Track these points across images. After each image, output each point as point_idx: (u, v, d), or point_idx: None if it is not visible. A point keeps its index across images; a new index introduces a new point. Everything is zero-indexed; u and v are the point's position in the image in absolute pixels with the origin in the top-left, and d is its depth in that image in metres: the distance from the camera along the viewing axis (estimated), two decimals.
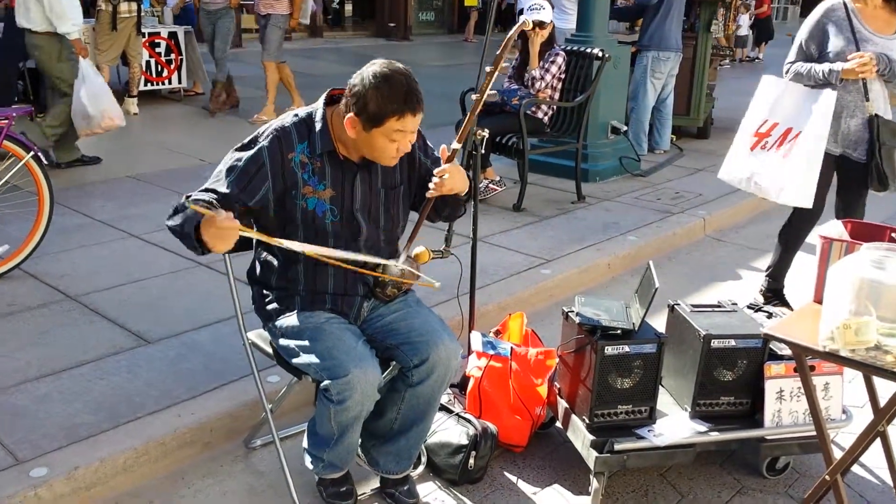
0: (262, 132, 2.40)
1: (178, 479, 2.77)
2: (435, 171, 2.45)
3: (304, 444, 2.60)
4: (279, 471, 2.57)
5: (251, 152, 2.36)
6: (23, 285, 4.00)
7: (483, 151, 3.18)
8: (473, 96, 2.53)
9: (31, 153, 4.00)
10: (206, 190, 2.34)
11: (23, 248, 4.11)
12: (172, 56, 9.33)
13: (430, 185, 2.46)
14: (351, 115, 2.28)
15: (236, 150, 2.41)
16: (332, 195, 2.42)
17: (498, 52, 2.48)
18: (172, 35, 9.28)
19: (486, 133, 3.02)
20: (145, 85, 9.10)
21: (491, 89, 5.23)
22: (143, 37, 8.67)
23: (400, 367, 2.48)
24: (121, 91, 8.58)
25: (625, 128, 6.60)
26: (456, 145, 2.47)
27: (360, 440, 2.62)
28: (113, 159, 6.61)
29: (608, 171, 6.58)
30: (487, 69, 2.53)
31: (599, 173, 6.49)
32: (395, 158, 2.39)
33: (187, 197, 2.26)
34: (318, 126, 2.40)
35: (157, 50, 9.20)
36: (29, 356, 3.28)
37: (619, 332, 2.65)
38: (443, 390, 2.52)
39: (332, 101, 2.44)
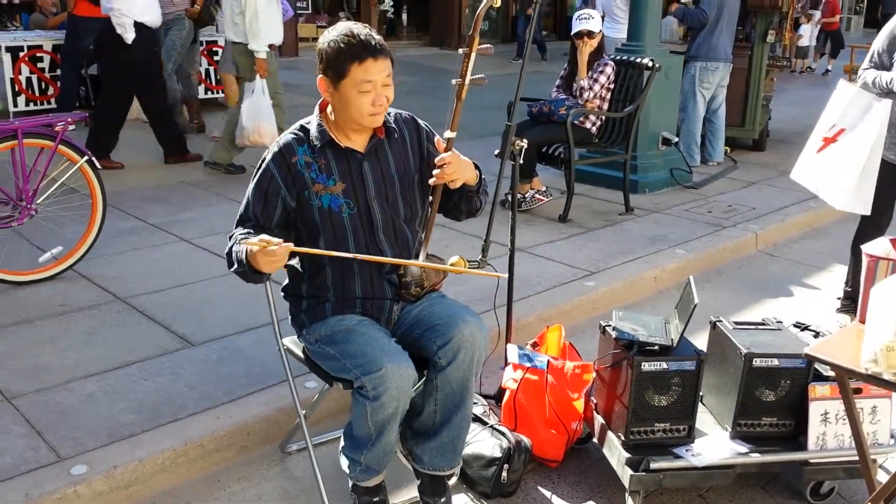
0: (267, 152, 2.53)
1: (214, 480, 2.81)
2: (436, 161, 2.47)
3: (341, 447, 2.61)
4: (313, 476, 2.59)
5: (261, 170, 2.49)
6: (75, 286, 4.11)
7: (521, 161, 3.15)
8: (454, 82, 2.50)
9: (85, 157, 4.12)
10: (239, 223, 2.48)
11: (76, 249, 4.23)
12: None
13: (433, 174, 2.47)
14: (320, 76, 2.38)
15: (252, 179, 2.53)
16: (343, 188, 2.47)
17: (470, 33, 2.45)
18: None
19: (524, 143, 3.01)
20: (205, 93, 9.28)
21: (542, 100, 5.20)
22: (201, 45, 8.86)
23: (428, 358, 2.48)
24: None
25: (675, 139, 6.50)
26: (449, 134, 2.47)
27: (400, 440, 2.64)
28: (169, 165, 6.77)
29: (658, 183, 6.49)
30: (461, 51, 2.50)
31: (649, 185, 6.40)
32: (376, 115, 2.43)
33: (230, 237, 2.43)
34: (313, 126, 2.50)
35: (216, 58, 9.37)
36: (77, 355, 3.37)
37: (656, 347, 2.61)
38: (474, 371, 2.49)
39: (325, 109, 2.53)
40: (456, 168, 2.46)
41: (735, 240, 5.32)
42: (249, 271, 2.34)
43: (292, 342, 2.72)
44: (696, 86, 7.02)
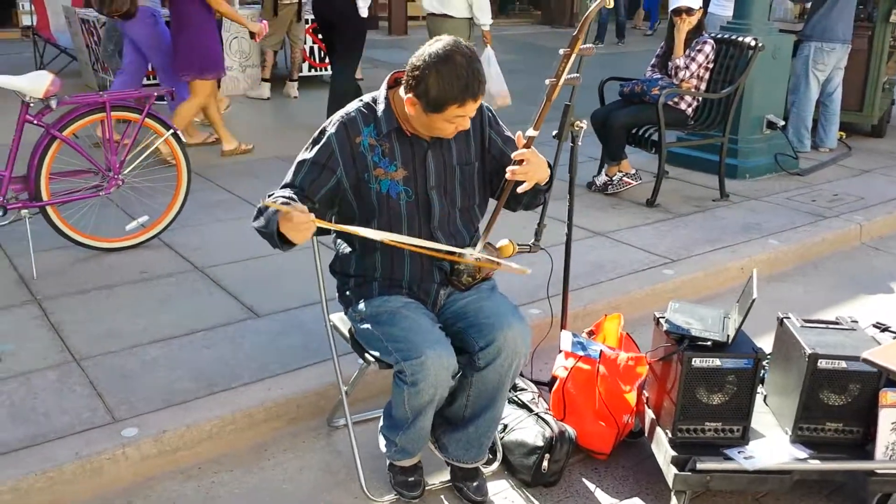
0: (329, 122, 2.44)
1: (260, 450, 2.86)
2: (513, 156, 2.37)
3: (380, 426, 2.61)
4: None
5: (321, 143, 2.41)
6: (158, 254, 4.28)
7: (580, 143, 3.02)
8: (547, 81, 2.39)
9: (171, 131, 4.25)
10: (284, 186, 2.41)
11: (161, 219, 4.39)
12: None
13: (508, 170, 2.37)
14: (410, 95, 2.26)
15: (310, 142, 2.46)
16: (405, 175, 2.41)
17: (574, 34, 2.34)
18: None
19: (584, 125, 2.89)
20: (309, 70, 9.45)
21: (635, 80, 5.01)
22: (307, 23, 9.02)
23: (468, 353, 2.42)
24: (285, 75, 9.00)
25: (782, 123, 6.14)
26: (532, 132, 2.37)
27: (431, 427, 2.61)
28: (266, 140, 6.93)
29: (760, 169, 6.16)
30: (561, 52, 2.39)
31: (750, 170, 6.09)
32: (453, 133, 2.36)
33: (268, 196, 2.32)
34: (381, 107, 2.40)
35: (320, 36, 9.51)
36: (147, 322, 3.50)
37: (709, 343, 2.47)
38: (511, 376, 2.44)
39: (395, 83, 2.43)
40: (531, 167, 2.36)
41: (836, 231, 4.99)
42: (275, 234, 2.24)
43: (340, 319, 2.73)
44: (810, 67, 6.61)
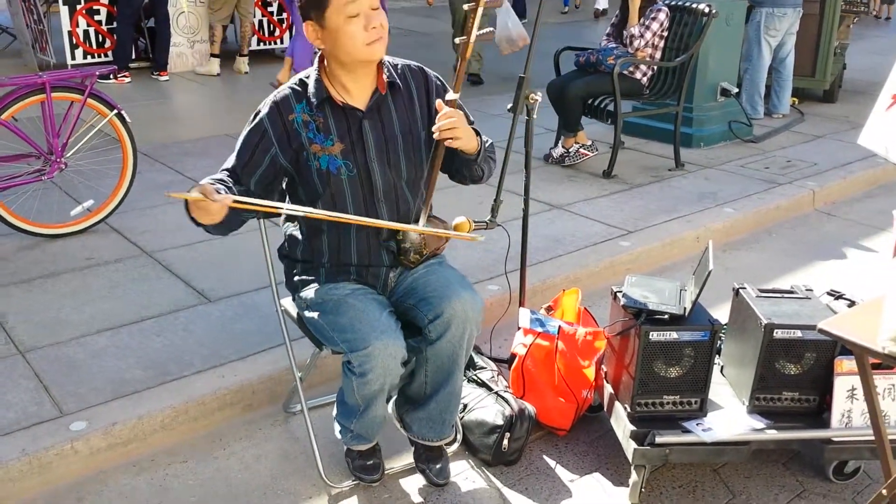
0: (263, 103, 2.38)
1: (215, 439, 2.79)
2: (437, 117, 2.29)
3: (334, 413, 2.56)
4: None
5: (253, 123, 2.35)
6: (104, 239, 4.15)
7: (535, 116, 2.97)
8: (457, 40, 2.31)
9: (115, 111, 4.11)
10: (222, 170, 2.35)
11: (107, 203, 4.26)
12: (284, 16, 9.43)
13: (433, 130, 2.29)
14: (305, 22, 2.24)
15: (245, 127, 2.39)
16: (342, 149, 2.33)
17: None
18: None
19: (539, 97, 2.84)
20: (258, 44, 9.26)
21: (590, 49, 4.92)
22: None
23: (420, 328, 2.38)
24: (234, 50, 8.80)
25: (735, 90, 6.16)
26: (451, 95, 2.29)
27: (395, 405, 2.61)
28: (216, 117, 6.78)
29: (715, 137, 6.18)
30: (466, 7, 2.31)
31: (704, 138, 6.11)
32: (375, 43, 2.23)
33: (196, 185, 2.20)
34: (311, 79, 2.34)
35: (269, 9, 9.33)
36: (94, 310, 3.40)
37: (666, 316, 2.45)
38: (466, 346, 2.40)
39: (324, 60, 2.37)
40: (457, 126, 2.28)
41: (790, 197, 5.03)
42: (190, 218, 2.18)
43: (291, 304, 2.66)
44: (762, 33, 6.63)
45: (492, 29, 2.42)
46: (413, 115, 2.42)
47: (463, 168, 2.45)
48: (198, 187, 2.07)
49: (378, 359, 2.22)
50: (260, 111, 2.37)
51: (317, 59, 2.39)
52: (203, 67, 8.49)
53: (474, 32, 2.30)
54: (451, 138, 2.29)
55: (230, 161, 2.36)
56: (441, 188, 2.52)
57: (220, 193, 2.08)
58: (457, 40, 2.34)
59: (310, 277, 2.46)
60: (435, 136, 2.30)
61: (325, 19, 2.21)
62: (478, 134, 2.40)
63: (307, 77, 2.37)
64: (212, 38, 8.54)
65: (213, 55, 8.48)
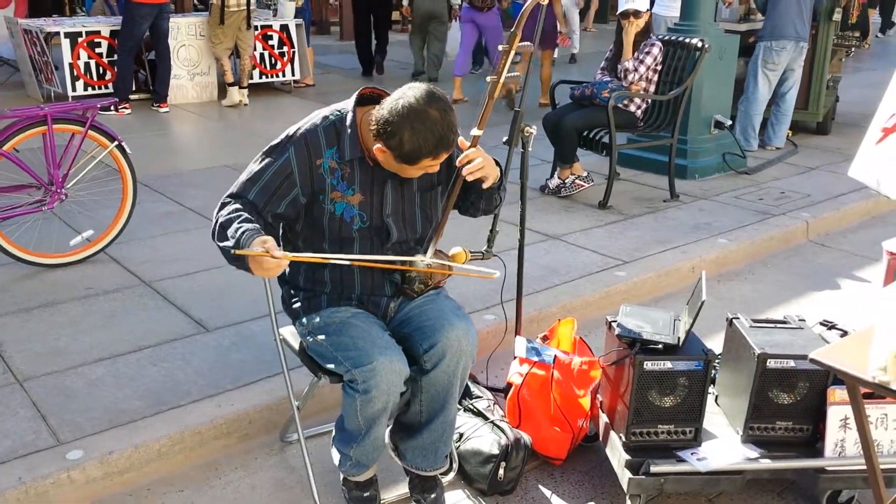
0: (292, 135, 2.35)
1: (211, 469, 2.80)
2: (460, 158, 2.33)
3: (333, 440, 2.57)
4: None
5: (280, 162, 2.32)
6: (104, 269, 4.17)
7: (530, 149, 3.01)
8: (488, 79, 2.38)
9: (115, 142, 4.16)
10: (232, 196, 2.33)
11: (107, 233, 4.28)
12: (285, 49, 9.54)
13: (464, 171, 2.33)
14: (381, 145, 2.21)
15: (267, 151, 2.38)
16: (361, 200, 2.36)
17: (512, 30, 2.33)
18: (284, 28, 9.48)
19: (534, 130, 2.89)
20: (260, 77, 9.35)
21: (585, 83, 5.03)
22: (256, 30, 8.93)
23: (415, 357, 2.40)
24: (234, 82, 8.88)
25: (729, 122, 6.22)
26: (476, 132, 2.35)
27: (389, 434, 2.60)
28: (216, 148, 6.84)
29: (709, 168, 6.23)
30: (500, 48, 2.38)
31: (699, 170, 6.16)
32: (419, 174, 2.35)
33: (238, 228, 2.20)
34: (347, 132, 2.33)
35: (270, 42, 9.43)
36: (93, 339, 3.41)
37: (660, 346, 2.48)
38: (461, 376, 2.42)
39: (362, 100, 2.37)
40: (485, 163, 2.33)
41: (784, 228, 5.07)
42: (234, 262, 2.20)
43: (290, 333, 2.68)
44: (759, 67, 6.70)
45: (518, 74, 2.49)
46: (433, 173, 2.43)
47: (481, 201, 2.49)
48: (259, 241, 2.10)
49: (382, 374, 2.24)
50: (287, 147, 2.33)
51: (353, 103, 2.34)
52: (227, 101, 8.58)
53: (504, 74, 2.37)
54: (482, 178, 2.34)
55: (247, 189, 2.33)
56: None
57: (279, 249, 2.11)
58: (487, 79, 2.41)
59: (311, 304, 2.48)
60: (467, 178, 2.34)
61: (403, 164, 2.23)
62: (497, 164, 2.45)
63: (341, 122, 2.34)
64: (221, 70, 8.65)
65: (229, 84, 8.56)
